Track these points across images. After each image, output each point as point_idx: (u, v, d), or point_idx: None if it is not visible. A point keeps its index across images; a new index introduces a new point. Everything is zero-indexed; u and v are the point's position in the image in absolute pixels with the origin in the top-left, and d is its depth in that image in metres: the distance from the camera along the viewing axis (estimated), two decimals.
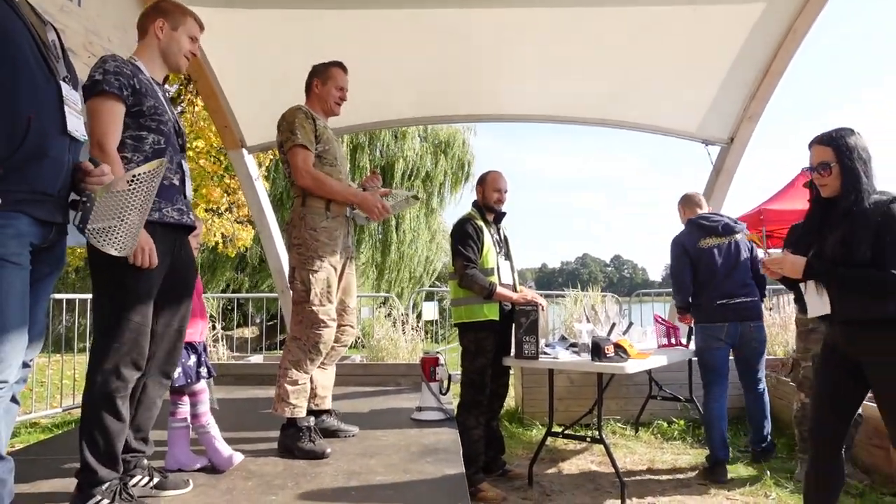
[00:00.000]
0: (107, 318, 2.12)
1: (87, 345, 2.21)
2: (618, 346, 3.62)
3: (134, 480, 2.27)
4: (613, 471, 3.62)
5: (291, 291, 3.02)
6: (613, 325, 4.34)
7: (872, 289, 2.29)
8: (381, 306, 8.52)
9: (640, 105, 5.34)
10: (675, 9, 4.37)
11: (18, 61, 1.67)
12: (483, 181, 3.93)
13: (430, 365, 3.78)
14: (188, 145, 9.38)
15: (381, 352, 6.15)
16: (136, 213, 1.83)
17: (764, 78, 4.82)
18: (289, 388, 2.92)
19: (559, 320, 6.63)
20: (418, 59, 4.79)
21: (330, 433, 3.22)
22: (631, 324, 4.86)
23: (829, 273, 2.39)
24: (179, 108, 10.84)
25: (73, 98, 1.84)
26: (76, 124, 1.83)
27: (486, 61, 4.85)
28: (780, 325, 6.00)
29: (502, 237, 3.98)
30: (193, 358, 2.73)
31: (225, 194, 10.04)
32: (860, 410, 3.80)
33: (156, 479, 2.36)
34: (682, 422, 5.09)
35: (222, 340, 7.09)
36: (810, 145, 2.51)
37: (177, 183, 2.32)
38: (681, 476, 4.04)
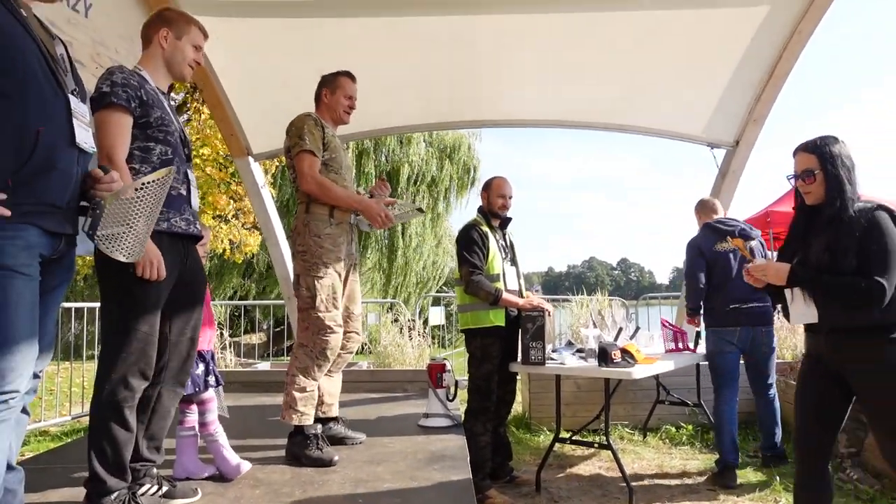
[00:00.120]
0: (114, 327, 2.14)
1: (96, 352, 2.22)
2: (625, 352, 3.61)
3: (143, 489, 2.28)
4: (621, 476, 3.61)
5: (297, 299, 3.02)
6: (620, 329, 4.34)
7: (857, 296, 2.27)
8: (387, 312, 8.53)
9: (645, 109, 5.33)
10: (679, 13, 4.37)
11: (27, 75, 1.69)
12: (488, 187, 3.93)
13: (436, 371, 3.78)
14: (194, 153, 9.46)
15: (387, 358, 6.15)
16: (143, 220, 1.85)
17: (769, 80, 4.80)
18: (297, 395, 2.93)
19: (566, 325, 6.62)
20: (422, 66, 4.81)
21: (337, 440, 3.22)
22: (638, 328, 4.86)
23: (813, 280, 2.38)
24: (186, 116, 10.91)
25: (81, 111, 1.86)
26: (85, 136, 1.85)
27: (491, 67, 4.86)
28: (788, 328, 5.96)
29: (508, 243, 3.98)
30: (202, 366, 2.74)
31: (231, 201, 10.08)
32: None
33: (164, 488, 2.36)
34: (690, 427, 5.07)
35: (230, 347, 7.11)
36: (795, 153, 2.51)
37: (184, 193, 2.33)
38: (689, 481, 4.02)
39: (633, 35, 4.52)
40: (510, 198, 3.90)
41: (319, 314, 2.92)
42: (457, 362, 6.95)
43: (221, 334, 6.85)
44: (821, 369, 2.46)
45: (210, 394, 2.78)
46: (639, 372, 3.55)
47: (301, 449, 2.90)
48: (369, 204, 3.07)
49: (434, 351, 7.99)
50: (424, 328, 6.86)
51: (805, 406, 2.52)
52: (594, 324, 4.60)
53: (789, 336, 5.88)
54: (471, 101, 5.29)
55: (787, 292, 2.48)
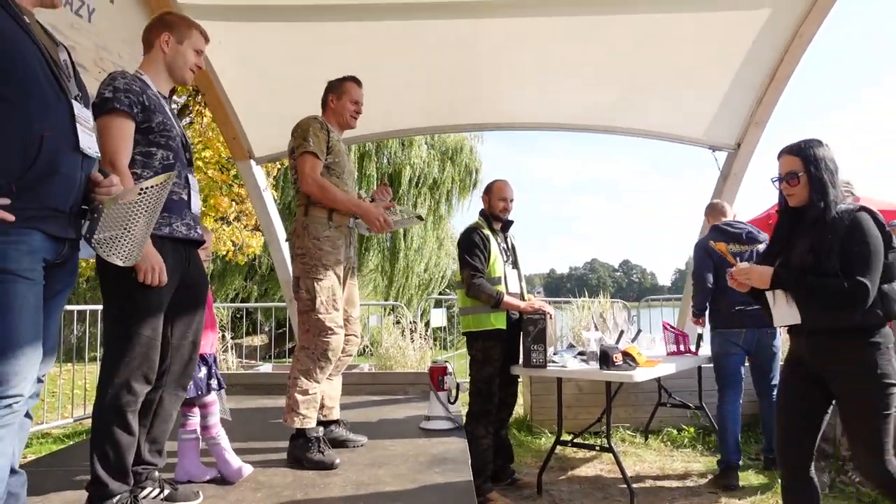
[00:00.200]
0: (117, 331, 2.15)
1: (98, 355, 2.23)
2: (626, 354, 3.61)
3: (144, 492, 2.29)
4: (623, 479, 3.61)
5: (297, 301, 3.03)
6: (622, 332, 4.35)
7: (840, 297, 2.28)
8: (389, 314, 8.54)
9: (647, 112, 5.35)
10: (681, 16, 4.38)
11: (29, 81, 1.70)
12: (489, 190, 3.94)
13: (438, 374, 3.79)
14: (196, 156, 9.48)
15: (389, 360, 6.15)
16: (141, 225, 1.85)
17: (770, 83, 4.82)
18: (299, 398, 2.93)
19: (567, 327, 6.62)
20: (424, 70, 4.82)
21: (339, 443, 3.23)
22: (639, 331, 4.86)
23: (797, 282, 2.39)
24: (188, 119, 10.94)
25: (84, 116, 1.87)
26: (89, 142, 1.86)
27: (492, 70, 4.88)
28: None
29: (510, 245, 3.99)
30: (204, 370, 2.74)
31: (233, 203, 10.10)
32: None
33: (166, 491, 2.37)
34: (692, 429, 5.07)
35: (232, 349, 7.12)
36: (779, 156, 2.53)
37: (185, 197, 2.34)
38: (691, 484, 4.02)
39: (635, 38, 4.53)
40: (511, 201, 3.91)
41: (320, 316, 2.93)
42: (458, 364, 6.96)
43: (223, 336, 6.86)
44: (801, 372, 2.47)
45: (212, 397, 2.79)
46: (640, 375, 3.55)
47: (303, 452, 2.91)
48: (368, 208, 3.07)
49: (436, 353, 8.00)
50: (426, 330, 6.87)
51: (787, 409, 2.52)
52: (595, 326, 4.61)
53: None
54: (472, 104, 5.30)
55: (769, 295, 2.49)
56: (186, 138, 2.45)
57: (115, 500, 2.10)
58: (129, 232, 1.83)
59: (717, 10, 4.34)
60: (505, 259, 3.84)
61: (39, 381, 1.82)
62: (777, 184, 2.53)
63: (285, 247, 5.80)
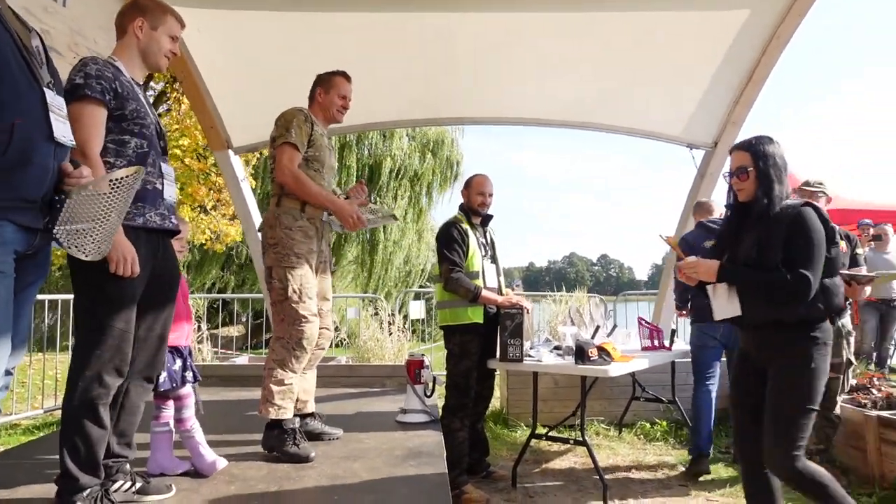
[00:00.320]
0: (89, 324, 2.11)
1: (71, 344, 2.18)
2: (601, 350, 3.66)
3: (116, 486, 2.26)
4: (596, 471, 3.66)
5: (270, 291, 3.00)
6: (598, 327, 4.40)
7: (783, 290, 2.35)
8: (368, 305, 8.53)
9: (626, 109, 5.39)
10: (661, 14, 4.41)
11: (1, 69, 1.66)
12: (468, 185, 3.95)
13: (415, 367, 3.79)
14: (174, 143, 9.34)
15: (366, 353, 6.15)
16: (113, 218, 1.81)
17: (748, 83, 4.89)
18: (274, 388, 2.91)
19: (544, 322, 6.68)
20: (405, 63, 4.80)
21: (314, 436, 3.22)
22: (615, 326, 4.93)
23: (741, 276, 2.45)
24: (165, 106, 10.77)
25: (57, 104, 1.83)
26: (63, 130, 1.82)
27: (473, 66, 4.88)
28: None
29: (489, 240, 4.00)
30: (179, 362, 2.71)
31: (211, 192, 9.98)
32: (838, 411, 3.90)
33: (138, 484, 2.34)
34: (664, 423, 5.15)
35: (208, 340, 7.06)
36: (731, 151, 2.60)
37: (159, 187, 2.29)
38: (662, 477, 4.09)
39: (615, 36, 4.56)
40: (490, 195, 3.92)
41: (293, 304, 2.90)
42: (437, 356, 6.99)
43: (199, 327, 6.80)
44: (749, 367, 2.54)
45: (187, 389, 2.76)
46: (614, 370, 3.60)
47: (278, 443, 2.90)
48: (342, 205, 3.05)
49: (414, 344, 8.02)
50: (404, 323, 6.88)
51: (739, 405, 2.59)
52: (572, 321, 4.65)
53: None
54: (452, 98, 5.30)
55: (710, 288, 2.55)
56: (161, 126, 2.41)
57: (85, 493, 2.07)
58: (101, 225, 1.79)
59: (697, 10, 4.38)
60: (483, 253, 3.86)
61: (8, 373, 1.79)
62: (728, 179, 2.58)
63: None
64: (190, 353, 2.84)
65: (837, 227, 3.97)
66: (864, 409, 3.95)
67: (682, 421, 4.93)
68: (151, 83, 10.97)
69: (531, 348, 3.97)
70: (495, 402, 5.35)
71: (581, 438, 3.73)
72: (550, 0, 4.31)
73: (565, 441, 4.04)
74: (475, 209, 3.90)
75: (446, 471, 2.79)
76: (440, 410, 3.83)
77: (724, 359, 4.31)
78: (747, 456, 2.55)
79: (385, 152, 15.79)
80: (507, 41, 4.61)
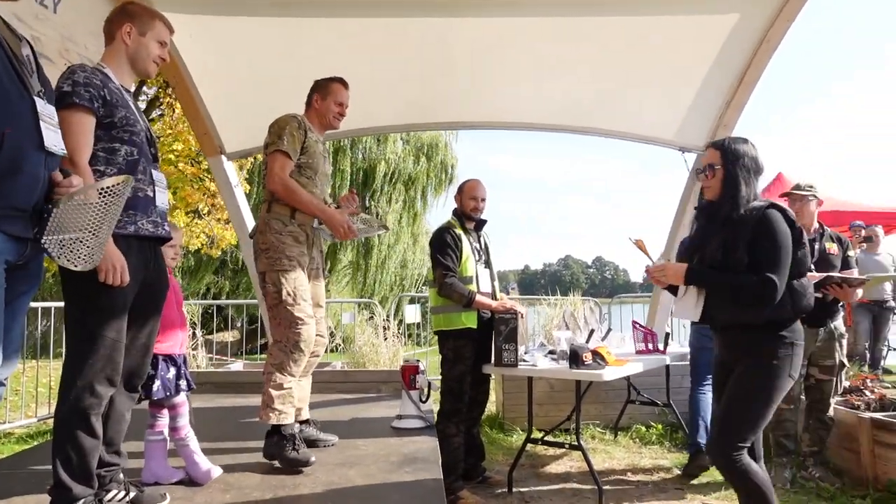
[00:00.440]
0: (80, 334, 2.09)
1: (63, 351, 2.15)
2: (595, 354, 3.66)
3: (109, 495, 2.25)
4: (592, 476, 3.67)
5: (264, 296, 2.99)
6: (592, 331, 4.41)
7: (749, 293, 2.36)
8: (363, 309, 8.52)
9: (618, 113, 5.40)
10: (652, 19, 4.43)
11: None
12: (461, 190, 3.96)
13: (410, 373, 3.79)
14: (168, 148, 9.32)
15: (362, 358, 6.14)
16: (99, 229, 1.79)
17: (738, 87, 4.90)
18: (273, 393, 2.89)
19: (539, 326, 6.68)
20: (400, 68, 4.80)
21: (309, 443, 3.19)
22: (610, 329, 4.94)
23: (707, 278, 2.47)
24: (159, 111, 10.74)
25: (48, 112, 1.83)
26: (54, 139, 1.82)
27: (467, 70, 4.88)
28: None
29: (483, 245, 4.01)
30: (173, 370, 2.70)
31: (205, 197, 9.95)
32: (831, 413, 3.92)
33: (132, 494, 2.33)
34: (660, 426, 5.16)
35: (202, 346, 7.04)
36: (705, 149, 2.60)
37: (150, 194, 2.28)
38: (658, 480, 4.10)
39: (607, 40, 4.58)
40: (483, 200, 3.92)
41: (288, 307, 2.89)
42: (432, 360, 6.98)
43: (194, 334, 6.78)
44: (725, 370, 2.55)
45: (181, 398, 2.75)
46: (609, 374, 3.61)
47: (278, 449, 2.86)
48: (333, 214, 3.05)
49: (409, 348, 8.01)
50: (399, 328, 6.87)
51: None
52: (566, 325, 4.66)
53: None
54: (447, 102, 5.30)
55: (679, 290, 2.56)
56: (151, 133, 2.39)
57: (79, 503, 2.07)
58: (91, 235, 1.78)
59: (688, 14, 4.40)
60: (477, 258, 3.86)
61: (1, 384, 1.78)
62: (698, 176, 2.60)
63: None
64: (185, 361, 2.83)
65: (829, 230, 4.03)
66: (858, 411, 3.97)
67: (678, 424, 4.94)
68: (144, 88, 10.95)
69: (526, 353, 3.97)
70: (491, 407, 5.35)
71: (576, 443, 3.74)
72: (543, 4, 4.33)
73: (561, 446, 4.05)
74: (468, 214, 3.90)
75: (441, 477, 2.79)
76: (436, 416, 3.82)
77: None
78: None
79: (379, 156, 15.79)
80: (501, 46, 4.62)
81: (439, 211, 20.08)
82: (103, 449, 2.23)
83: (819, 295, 3.64)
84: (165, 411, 2.73)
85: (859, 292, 3.76)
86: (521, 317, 3.79)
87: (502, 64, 4.84)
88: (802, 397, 3.99)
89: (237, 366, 6.62)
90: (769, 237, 2.36)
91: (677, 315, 2.61)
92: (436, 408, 3.95)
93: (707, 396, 4.19)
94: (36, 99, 1.78)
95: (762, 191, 8.71)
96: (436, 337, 3.90)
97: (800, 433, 4.02)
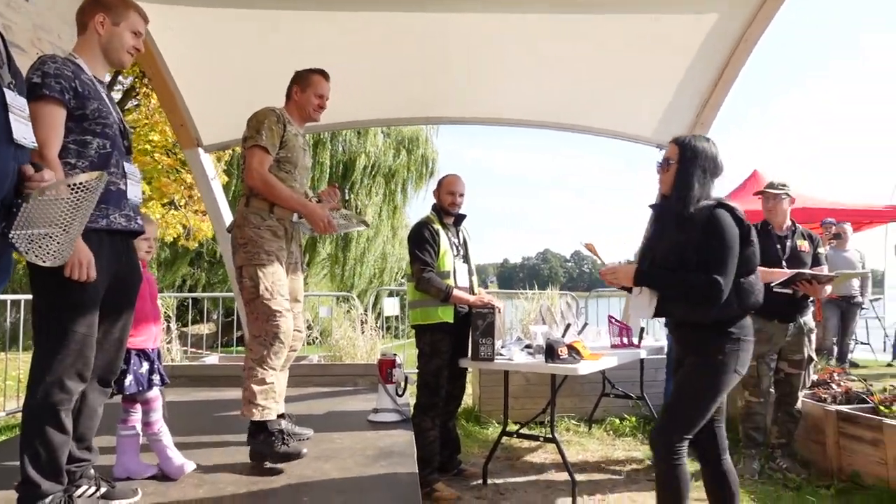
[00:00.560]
0: (49, 328, 2.06)
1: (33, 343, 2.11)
2: (571, 348, 3.70)
3: (80, 491, 2.23)
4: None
5: (242, 291, 2.95)
6: (568, 325, 4.45)
7: (695, 294, 2.40)
8: (342, 302, 8.50)
9: (597, 109, 5.44)
10: (632, 17, 4.46)
11: None
12: (439, 185, 3.97)
13: (386, 367, 3.80)
14: (143, 139, 9.18)
15: (339, 351, 6.13)
16: (69, 224, 1.76)
17: (716, 86, 4.96)
18: (256, 388, 2.83)
19: (516, 320, 6.73)
20: (379, 62, 4.78)
21: None
22: (586, 324, 4.99)
23: (657, 279, 2.51)
24: (135, 101, 10.57)
25: (18, 104, 1.79)
26: (24, 131, 1.78)
27: (448, 66, 4.87)
28: None
29: (461, 240, 4.02)
30: (146, 365, 2.68)
31: (181, 188, 9.82)
32: (799, 406, 4.01)
33: (103, 489, 2.31)
34: (633, 419, 5.24)
35: (177, 339, 6.97)
36: (668, 144, 2.63)
37: (123, 187, 2.25)
38: (631, 472, 4.16)
39: (586, 37, 4.60)
40: (461, 196, 3.93)
41: (266, 301, 2.85)
42: (410, 353, 6.99)
43: (168, 327, 6.70)
44: (679, 365, 2.60)
45: (154, 393, 2.73)
46: (584, 368, 3.65)
47: (267, 447, 2.81)
48: (313, 208, 3.01)
49: (387, 341, 8.01)
50: (377, 321, 6.87)
51: None
52: (543, 320, 4.70)
53: None
54: (425, 98, 5.29)
55: (634, 290, 2.59)
56: (125, 125, 2.35)
57: (48, 500, 2.03)
58: (61, 231, 1.75)
59: (669, 14, 4.44)
60: (455, 253, 3.88)
61: None
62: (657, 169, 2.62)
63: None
64: (158, 356, 2.81)
65: (801, 228, 4.11)
66: (824, 403, 4.07)
67: (651, 416, 5.03)
68: (120, 77, 10.76)
69: (502, 347, 4.00)
70: (467, 400, 5.39)
71: (551, 435, 3.78)
72: (524, 3, 4.33)
73: (535, 438, 4.09)
74: (446, 209, 3.91)
75: (417, 470, 2.81)
76: (412, 409, 3.84)
77: None
78: (701, 447, 2.61)
79: (359, 149, 15.72)
80: (483, 43, 4.61)
81: (420, 205, 20.06)
82: (74, 444, 2.20)
83: (790, 291, 3.73)
84: (138, 406, 2.71)
85: (828, 288, 3.85)
86: (499, 311, 3.81)
87: (484, 61, 4.84)
88: (772, 390, 4.07)
89: (212, 359, 6.56)
90: (716, 237, 2.37)
91: (632, 314, 2.65)
92: (412, 401, 3.97)
93: None
94: (6, 90, 1.74)
95: (737, 188, 8.91)
96: (413, 330, 3.91)
97: (769, 426, 4.11)
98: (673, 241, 2.47)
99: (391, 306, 7.23)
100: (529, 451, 4.59)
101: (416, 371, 3.86)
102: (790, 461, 4.00)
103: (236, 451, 3.00)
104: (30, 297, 2.15)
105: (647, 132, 5.54)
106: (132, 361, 2.60)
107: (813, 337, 4.12)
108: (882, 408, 3.81)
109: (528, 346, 4.06)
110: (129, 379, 2.58)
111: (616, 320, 4.79)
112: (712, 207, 2.43)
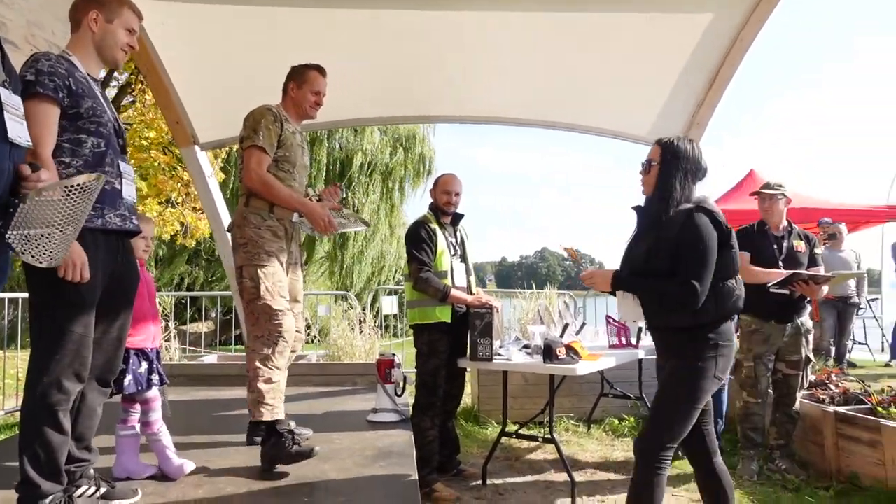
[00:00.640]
0: (46, 328, 2.05)
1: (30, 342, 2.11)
2: (569, 348, 3.70)
3: (80, 491, 2.22)
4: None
5: (241, 291, 2.92)
6: (566, 325, 4.44)
7: (670, 299, 2.38)
8: (340, 301, 8.49)
9: (593, 108, 5.43)
10: (628, 16, 4.46)
11: None
12: (435, 184, 3.97)
13: (385, 367, 3.80)
14: (139, 136, 9.15)
15: (337, 351, 6.13)
16: (65, 226, 1.75)
17: (712, 85, 4.96)
18: (263, 388, 2.79)
19: (514, 320, 6.72)
20: (373, 60, 4.76)
21: None
22: (584, 324, 4.99)
23: (633, 284, 2.50)
24: (131, 98, 10.54)
25: (13, 103, 1.78)
26: (19, 130, 1.77)
27: (442, 63, 4.86)
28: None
29: (459, 239, 4.01)
30: (145, 365, 2.66)
31: (178, 185, 9.80)
32: (797, 407, 4.01)
33: (103, 489, 2.31)
34: (632, 419, 5.25)
35: (176, 337, 6.95)
36: (652, 145, 2.61)
37: (118, 187, 2.24)
38: (630, 472, 4.15)
39: (582, 36, 4.59)
40: (457, 195, 3.92)
41: (266, 301, 2.83)
42: (409, 352, 6.98)
43: (167, 326, 6.69)
44: (661, 369, 2.60)
45: (154, 392, 2.72)
46: (582, 368, 3.65)
47: (279, 450, 2.75)
48: (314, 207, 2.99)
49: (386, 339, 8.01)
50: (375, 320, 6.86)
51: None
52: (541, 320, 4.69)
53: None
54: (421, 96, 5.28)
55: (619, 293, 2.59)
56: (119, 123, 2.34)
57: (47, 500, 2.03)
58: (58, 232, 1.74)
59: (664, 13, 4.44)
60: (452, 252, 3.87)
61: None
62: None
63: (229, 236, 5.67)
64: (157, 356, 2.79)
65: (797, 228, 4.11)
66: (822, 404, 4.08)
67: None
68: (115, 74, 10.72)
69: (501, 347, 4.00)
70: (466, 400, 5.38)
71: (550, 436, 3.78)
72: (520, 1, 4.33)
73: (534, 439, 4.09)
74: (442, 208, 3.90)
75: (416, 470, 2.80)
76: (411, 409, 3.84)
77: None
78: (691, 450, 2.61)
79: (356, 147, 15.69)
80: (477, 40, 4.60)
81: (417, 203, 20.06)
82: (73, 444, 2.20)
83: (786, 292, 3.74)
84: (137, 406, 2.70)
85: (825, 289, 3.86)
86: (497, 311, 3.81)
87: (478, 58, 4.83)
88: (770, 391, 4.08)
89: (211, 358, 6.55)
90: (693, 242, 2.34)
91: (621, 317, 2.63)
92: (411, 401, 3.97)
93: None
94: (0, 89, 1.73)
95: (733, 188, 8.91)
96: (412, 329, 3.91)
97: (767, 426, 4.12)
98: (651, 243, 2.44)
99: (389, 305, 7.22)
100: (529, 452, 4.60)
101: (415, 371, 3.86)
102: (789, 462, 4.01)
103: (235, 451, 2.99)
104: (26, 295, 2.13)
105: (643, 131, 5.53)
106: (131, 361, 2.59)
107: (810, 338, 4.13)
108: (880, 409, 3.82)
109: (526, 346, 4.05)
110: (128, 379, 2.57)
111: (614, 320, 4.78)
112: (691, 210, 2.39)
